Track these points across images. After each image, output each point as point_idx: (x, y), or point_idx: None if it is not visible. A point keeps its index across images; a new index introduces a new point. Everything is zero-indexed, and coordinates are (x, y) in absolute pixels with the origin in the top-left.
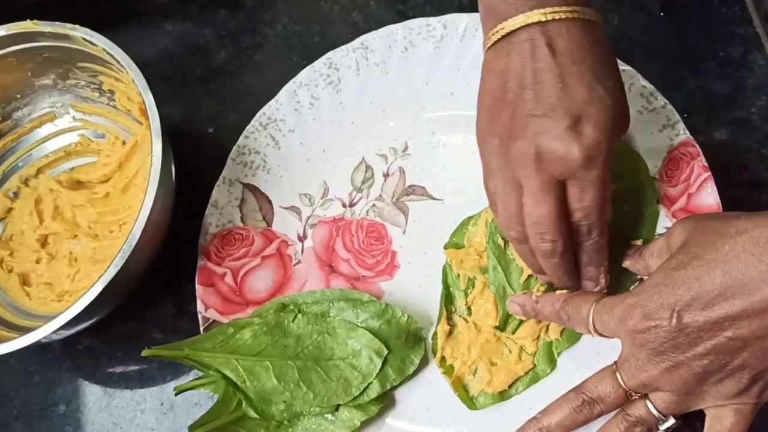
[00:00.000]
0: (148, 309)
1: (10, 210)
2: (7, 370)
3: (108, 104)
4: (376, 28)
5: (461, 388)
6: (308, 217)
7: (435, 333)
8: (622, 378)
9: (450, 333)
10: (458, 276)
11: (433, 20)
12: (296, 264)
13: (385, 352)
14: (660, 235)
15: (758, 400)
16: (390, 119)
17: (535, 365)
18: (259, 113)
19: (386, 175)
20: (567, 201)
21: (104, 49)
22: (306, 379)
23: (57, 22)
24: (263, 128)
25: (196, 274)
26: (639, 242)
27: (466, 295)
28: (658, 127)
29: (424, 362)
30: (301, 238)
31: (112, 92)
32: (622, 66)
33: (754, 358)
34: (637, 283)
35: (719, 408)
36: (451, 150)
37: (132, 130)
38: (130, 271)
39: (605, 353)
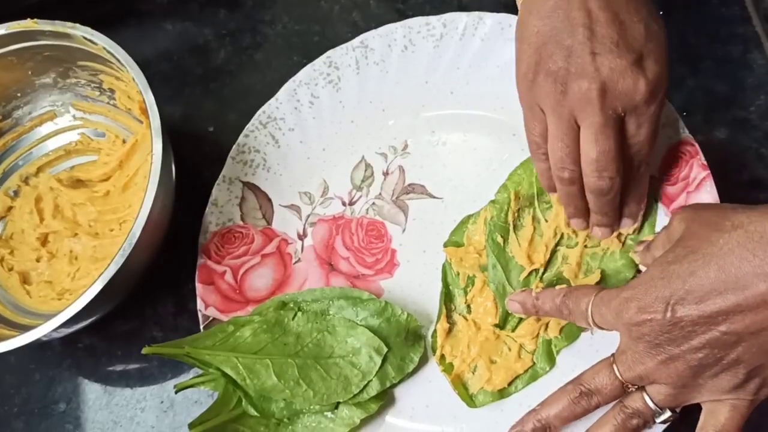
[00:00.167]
0: (149, 307)
1: (10, 208)
2: (8, 368)
3: (108, 103)
4: (375, 27)
5: (461, 386)
6: (308, 216)
7: (434, 331)
8: (618, 370)
9: (449, 331)
10: (458, 274)
11: (433, 19)
12: (296, 262)
13: (385, 350)
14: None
15: (755, 397)
16: (390, 118)
17: (534, 363)
18: (259, 112)
19: (386, 174)
20: (623, 136)
21: (105, 48)
22: (306, 377)
23: (57, 21)
24: (263, 127)
25: (196, 273)
26: (649, 237)
27: (466, 293)
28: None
29: (423, 360)
30: (301, 237)
31: (112, 91)
32: None
33: (749, 353)
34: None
35: (715, 403)
36: (450, 148)
37: (132, 129)
38: (131, 270)
39: (604, 351)
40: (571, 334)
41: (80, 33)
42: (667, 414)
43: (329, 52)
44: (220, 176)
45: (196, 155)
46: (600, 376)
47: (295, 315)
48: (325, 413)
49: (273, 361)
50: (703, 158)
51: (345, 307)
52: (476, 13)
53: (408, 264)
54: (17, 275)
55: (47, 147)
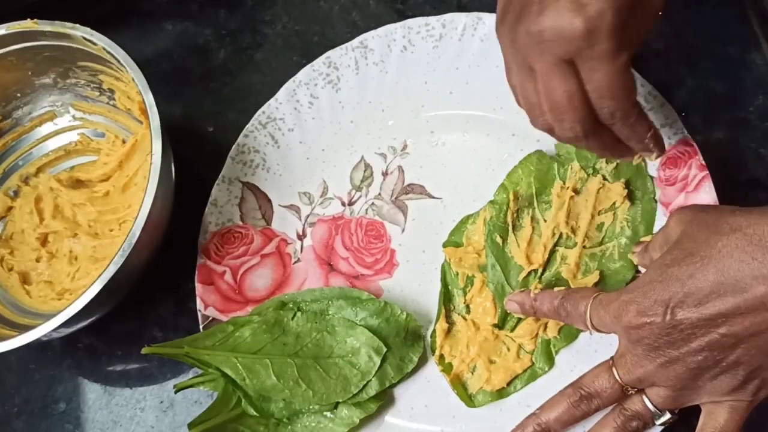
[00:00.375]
0: (148, 307)
1: (10, 208)
2: (8, 368)
3: (108, 103)
4: (375, 28)
5: (460, 386)
6: (307, 216)
7: (434, 331)
8: (618, 373)
9: (449, 331)
10: (457, 274)
11: (432, 19)
12: (295, 262)
13: (384, 350)
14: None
15: (753, 398)
16: (389, 118)
17: (533, 363)
18: (259, 112)
19: (385, 174)
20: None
21: (104, 48)
22: (305, 377)
23: (57, 21)
24: (263, 127)
25: (196, 273)
26: (647, 238)
27: (465, 294)
28: (656, 125)
29: (422, 360)
30: (301, 237)
31: (112, 91)
32: None
33: (748, 355)
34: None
35: (714, 404)
36: (450, 149)
37: (132, 129)
38: (130, 270)
39: (603, 351)
40: (570, 334)
41: (80, 33)
42: (667, 416)
43: (329, 53)
44: (220, 176)
45: (196, 155)
46: (599, 379)
47: (295, 315)
48: (325, 413)
49: (272, 361)
50: (701, 158)
51: (344, 307)
52: (475, 13)
53: (407, 264)
54: (17, 275)
55: (47, 147)
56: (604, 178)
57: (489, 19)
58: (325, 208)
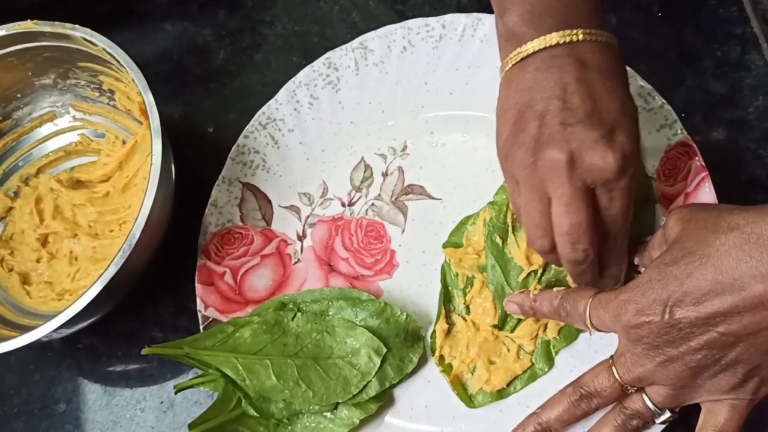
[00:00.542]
0: (148, 308)
1: (10, 209)
2: (8, 368)
3: (108, 104)
4: (375, 28)
5: (460, 387)
6: (307, 217)
7: (434, 332)
8: (617, 372)
9: (448, 332)
10: (457, 275)
11: (432, 20)
12: (295, 263)
13: (384, 350)
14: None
15: (753, 397)
16: (389, 119)
17: (533, 364)
18: (259, 113)
19: (385, 175)
20: (596, 209)
21: (104, 49)
22: (305, 378)
23: (57, 22)
24: (263, 128)
25: (196, 273)
26: (648, 238)
27: (465, 294)
28: (655, 126)
29: (422, 361)
30: (301, 237)
31: (112, 92)
32: None
33: (747, 354)
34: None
35: (714, 403)
36: (449, 149)
37: (132, 130)
38: (130, 270)
39: (603, 352)
40: (570, 334)
41: (80, 34)
42: (667, 414)
43: (329, 53)
44: (220, 177)
45: (196, 156)
46: (599, 378)
47: (295, 316)
48: (325, 414)
49: (272, 362)
50: (701, 159)
51: (344, 307)
52: (475, 14)
53: (407, 265)
54: (17, 276)
55: (47, 148)
56: None
57: (489, 20)
58: (325, 209)
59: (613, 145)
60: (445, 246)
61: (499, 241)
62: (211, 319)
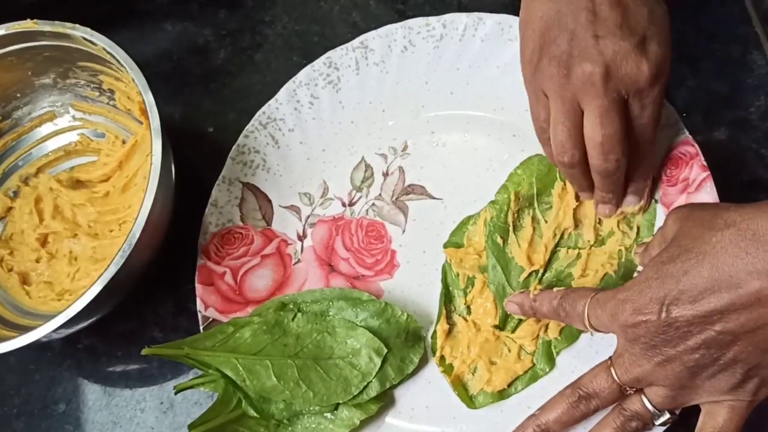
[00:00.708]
0: (148, 308)
1: (10, 209)
2: (8, 368)
3: (108, 103)
4: (375, 28)
5: (460, 387)
6: (308, 217)
7: (434, 332)
8: (616, 373)
9: (449, 332)
10: (457, 275)
11: (433, 20)
12: (296, 263)
13: (385, 351)
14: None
15: (753, 398)
16: (389, 118)
17: (534, 364)
18: (259, 112)
19: (386, 175)
20: (627, 119)
21: (104, 49)
22: (305, 378)
23: (57, 22)
24: (263, 127)
25: (196, 273)
26: (649, 239)
27: (466, 294)
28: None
29: (423, 361)
30: (301, 237)
31: (112, 91)
32: None
33: (745, 352)
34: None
35: (714, 404)
36: (450, 149)
37: (132, 130)
38: (130, 270)
39: (604, 352)
40: (571, 335)
41: (80, 33)
42: (666, 416)
43: (329, 53)
44: (220, 177)
45: (196, 156)
46: (598, 379)
47: (295, 316)
48: (325, 414)
49: (273, 362)
50: (702, 159)
51: (345, 308)
52: (476, 13)
53: (408, 265)
54: (17, 276)
55: (47, 147)
56: None
57: (490, 20)
58: (326, 209)
59: (647, 54)
60: (445, 246)
61: (500, 241)
62: (211, 319)
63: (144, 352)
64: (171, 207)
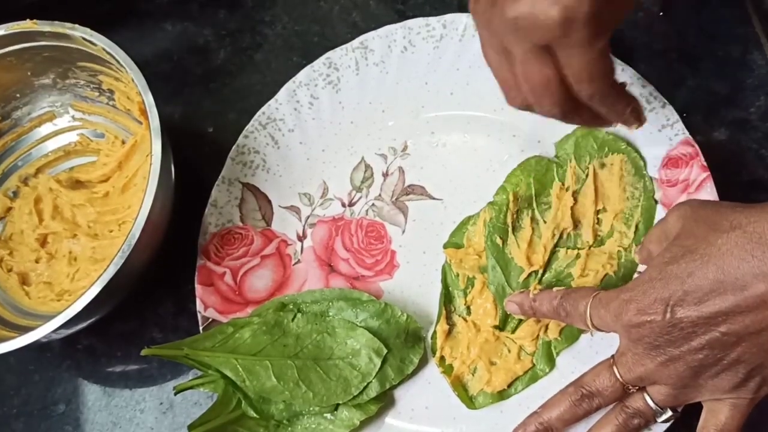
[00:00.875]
0: (148, 308)
1: (9, 209)
2: (7, 369)
3: (107, 104)
4: (375, 28)
5: (460, 388)
6: (308, 217)
7: (434, 332)
8: (619, 372)
9: (449, 332)
10: (457, 275)
11: (433, 20)
12: (296, 263)
13: (385, 351)
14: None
15: (755, 396)
16: (389, 119)
17: (534, 365)
18: (259, 113)
19: (386, 175)
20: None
21: (104, 49)
22: (305, 379)
23: (56, 22)
24: (263, 128)
25: (196, 274)
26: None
27: (466, 295)
28: (657, 127)
29: (423, 362)
30: (301, 238)
31: (111, 92)
32: (621, 65)
33: (749, 353)
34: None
35: (716, 402)
36: (450, 150)
37: (131, 130)
38: (130, 271)
39: (604, 353)
40: (571, 335)
41: (79, 34)
42: (668, 413)
43: (329, 53)
44: (220, 177)
45: (196, 156)
46: (600, 377)
47: (295, 316)
48: (325, 415)
49: (272, 363)
50: (703, 159)
51: (345, 308)
52: None
53: (407, 265)
54: (16, 276)
55: (46, 148)
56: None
57: None
58: (326, 209)
59: (559, 1)
60: (445, 246)
61: (499, 241)
62: (210, 319)
63: (143, 352)
64: (171, 207)
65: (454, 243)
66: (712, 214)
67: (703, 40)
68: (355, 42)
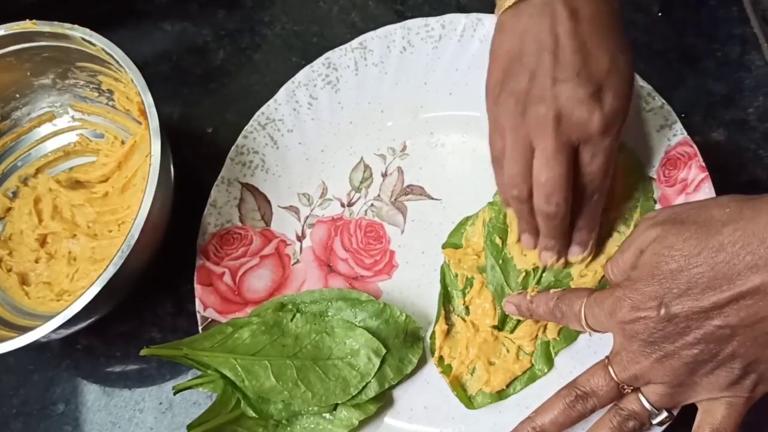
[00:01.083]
0: (147, 308)
1: (9, 209)
2: (6, 369)
3: (107, 104)
4: (374, 28)
5: (459, 388)
6: (307, 217)
7: (433, 332)
8: (613, 371)
9: (448, 332)
10: (456, 275)
11: (432, 20)
12: (295, 263)
13: (384, 351)
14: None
15: (751, 395)
16: (388, 119)
17: (532, 365)
18: (258, 113)
19: (384, 175)
20: (576, 165)
21: (103, 49)
22: (304, 379)
23: (56, 22)
24: (262, 128)
25: (195, 274)
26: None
27: (464, 295)
28: (655, 127)
29: (422, 362)
30: (300, 238)
31: (111, 92)
32: None
33: (744, 347)
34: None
35: (711, 401)
36: (449, 150)
37: (131, 130)
38: (129, 271)
39: (602, 353)
40: (570, 335)
41: (79, 34)
42: (664, 415)
43: (328, 54)
44: (219, 177)
45: (195, 156)
46: (595, 378)
47: (294, 316)
48: (324, 414)
49: (271, 363)
50: (701, 159)
51: (344, 308)
52: (475, 14)
53: (406, 265)
54: (16, 276)
55: (46, 148)
56: None
57: (488, 20)
58: (325, 210)
59: (600, 104)
60: (444, 247)
61: (498, 241)
62: (210, 319)
63: (143, 352)
64: (170, 207)
65: (452, 243)
66: (698, 214)
67: (702, 40)
68: (354, 42)
